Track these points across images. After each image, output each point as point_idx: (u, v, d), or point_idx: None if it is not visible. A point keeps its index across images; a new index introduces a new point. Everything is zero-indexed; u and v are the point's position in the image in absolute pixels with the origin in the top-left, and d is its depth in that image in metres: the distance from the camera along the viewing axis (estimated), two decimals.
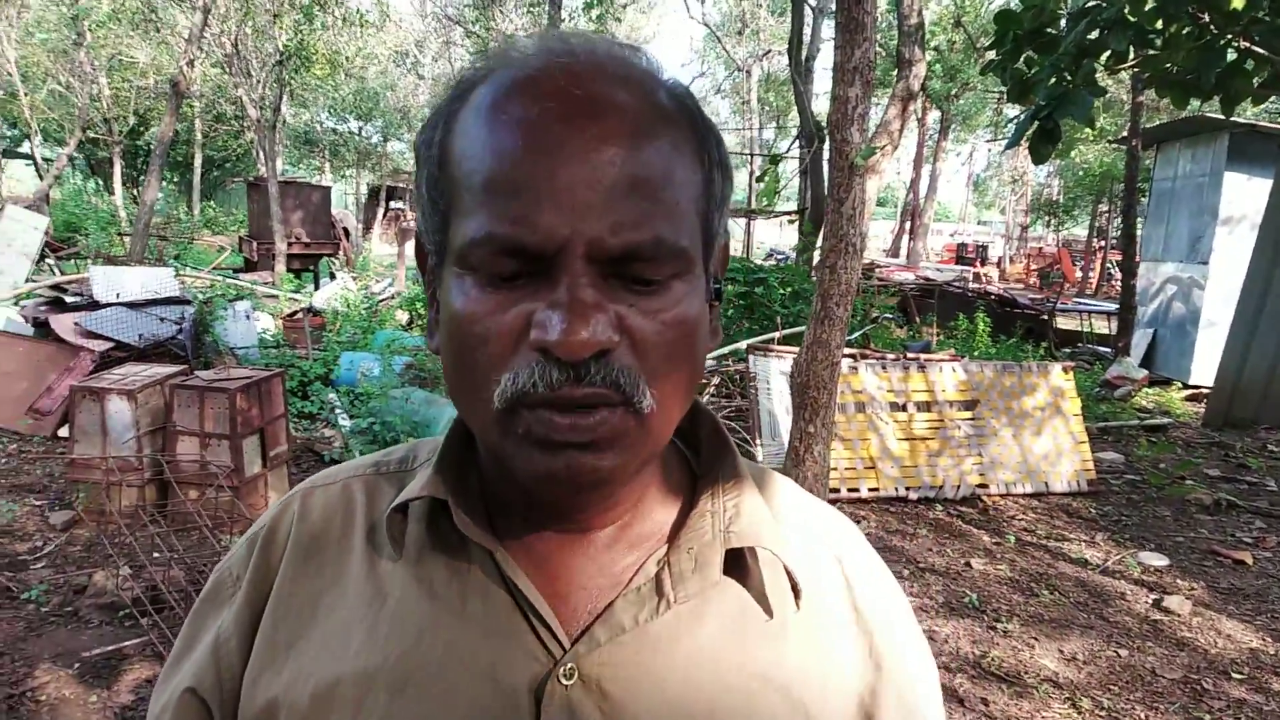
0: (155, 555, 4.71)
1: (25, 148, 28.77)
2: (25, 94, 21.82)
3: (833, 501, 5.95)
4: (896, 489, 6.36)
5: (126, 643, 3.87)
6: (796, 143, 13.12)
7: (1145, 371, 11.13)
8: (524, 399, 0.57)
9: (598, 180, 0.55)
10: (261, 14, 15.09)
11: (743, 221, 22.90)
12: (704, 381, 8.01)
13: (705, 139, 0.64)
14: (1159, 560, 5.53)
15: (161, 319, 7.98)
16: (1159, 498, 6.81)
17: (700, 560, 0.68)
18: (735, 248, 21.29)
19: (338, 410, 7.63)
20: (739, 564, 0.70)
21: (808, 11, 15.14)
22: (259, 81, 16.13)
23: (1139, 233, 12.96)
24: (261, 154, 17.25)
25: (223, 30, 15.26)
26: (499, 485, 0.70)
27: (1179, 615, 4.75)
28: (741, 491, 0.72)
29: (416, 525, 0.71)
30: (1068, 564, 5.43)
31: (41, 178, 23.47)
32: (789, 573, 0.69)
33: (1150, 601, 4.93)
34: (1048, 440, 6.81)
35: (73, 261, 14.23)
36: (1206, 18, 4.30)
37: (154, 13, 16.71)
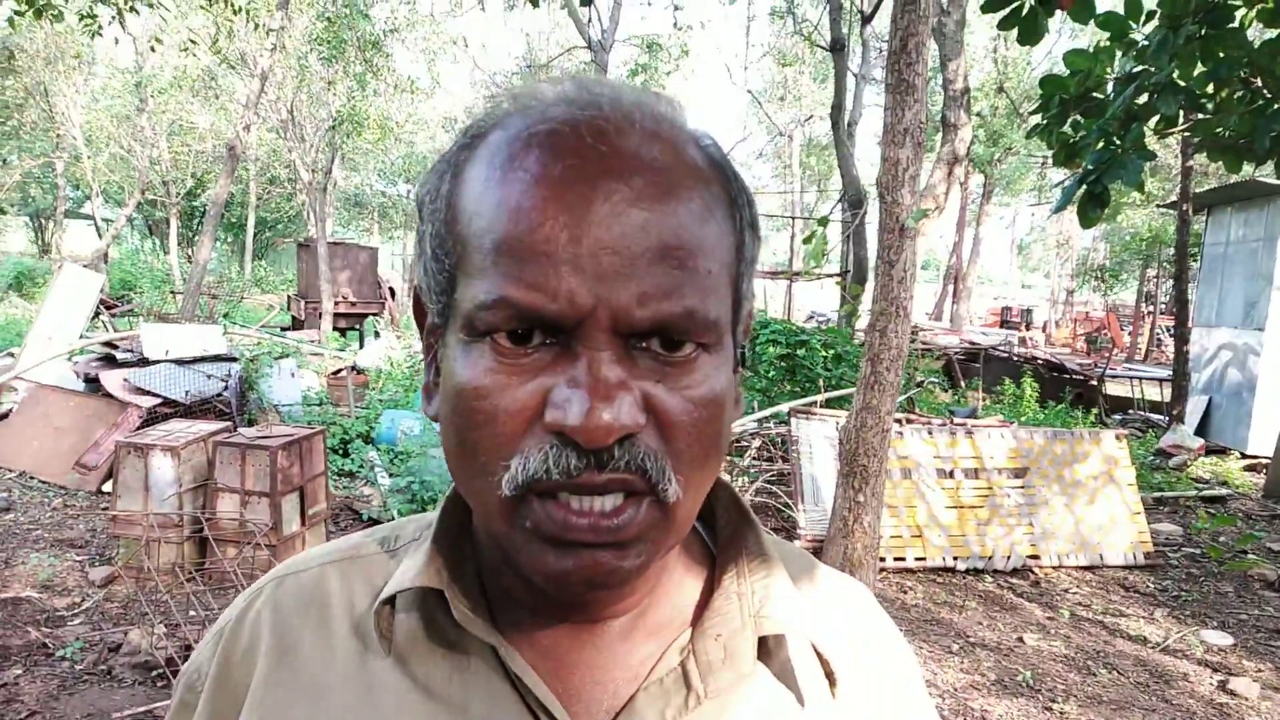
0: (191, 614, 4.69)
1: (87, 208, 29.75)
2: (88, 157, 22.64)
3: (879, 571, 5.79)
4: (944, 559, 6.17)
5: (158, 704, 3.82)
6: (839, 206, 13.12)
7: (1201, 440, 10.80)
8: (536, 486, 0.51)
9: (625, 246, 0.50)
10: (316, 81, 15.55)
11: (784, 283, 22.90)
12: (745, 445, 7.92)
13: (737, 198, 0.59)
14: (1223, 639, 5.28)
15: (208, 376, 8.08)
16: (1220, 572, 6.54)
17: (730, 649, 0.61)
18: (776, 310, 21.28)
19: (377, 468, 7.63)
20: (765, 648, 0.64)
21: (850, 78, 15.27)
22: (312, 146, 16.56)
23: (1191, 298, 12.70)
24: (312, 215, 17.65)
25: (279, 97, 15.74)
26: (497, 570, 0.64)
27: (1246, 699, 4.51)
28: (770, 571, 0.65)
29: (407, 616, 0.63)
30: (1126, 641, 5.21)
31: (100, 237, 24.21)
32: (823, 659, 0.63)
33: (1215, 683, 4.70)
34: (1102, 510, 6.59)
35: (126, 319, 14.56)
36: (1259, 82, 4.23)
37: (214, 80, 17.30)
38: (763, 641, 0.63)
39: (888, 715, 0.68)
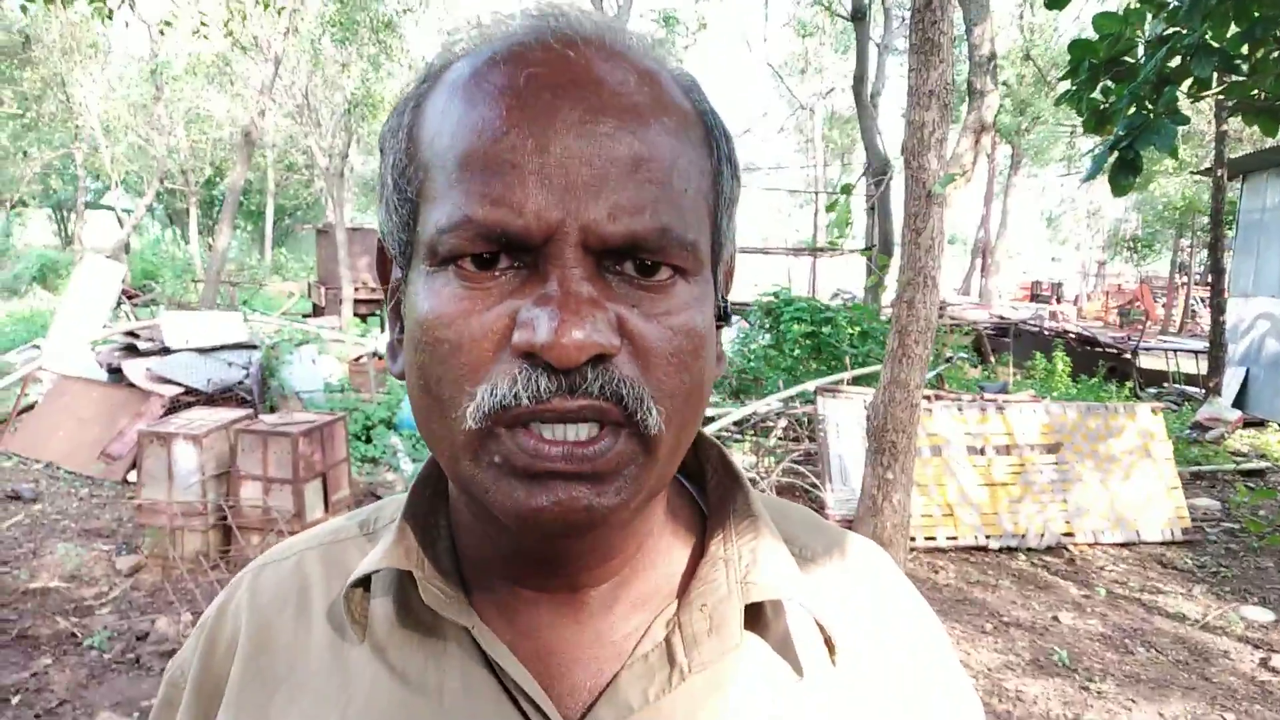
0: None
1: (107, 199, 30.03)
2: (107, 147, 22.79)
3: (909, 551, 5.70)
4: (976, 537, 6.06)
5: None
6: (863, 177, 12.95)
7: (1239, 412, 10.60)
8: (503, 415, 0.47)
9: (595, 156, 0.47)
10: (330, 65, 15.52)
11: (808, 260, 22.72)
12: (770, 425, 7.83)
13: (714, 128, 0.56)
14: (1264, 615, 5.16)
15: (229, 364, 8.09)
16: (1260, 548, 6.39)
17: (716, 619, 0.57)
18: (800, 287, 21.10)
19: (400, 454, 7.62)
20: (758, 616, 0.59)
21: (872, 47, 15.04)
22: (328, 130, 16.55)
23: (1226, 267, 12.45)
24: (330, 201, 17.66)
25: (293, 81, 15.72)
26: (472, 538, 0.59)
27: None
28: (758, 533, 0.61)
29: (383, 600, 0.60)
30: (1164, 619, 5.09)
31: (121, 227, 24.41)
32: (820, 625, 0.58)
33: (1257, 660, 4.59)
34: (1137, 486, 6.45)
35: (148, 308, 14.65)
36: None
37: (228, 65, 17.31)
38: (759, 610, 0.59)
39: (904, 684, 0.63)
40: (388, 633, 0.59)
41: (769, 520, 0.63)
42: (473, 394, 0.48)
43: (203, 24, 7.49)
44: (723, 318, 0.59)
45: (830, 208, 3.83)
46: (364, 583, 0.59)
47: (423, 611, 0.58)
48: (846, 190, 3.61)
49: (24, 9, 6.33)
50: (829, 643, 0.58)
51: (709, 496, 0.65)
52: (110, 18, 6.23)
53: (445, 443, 0.50)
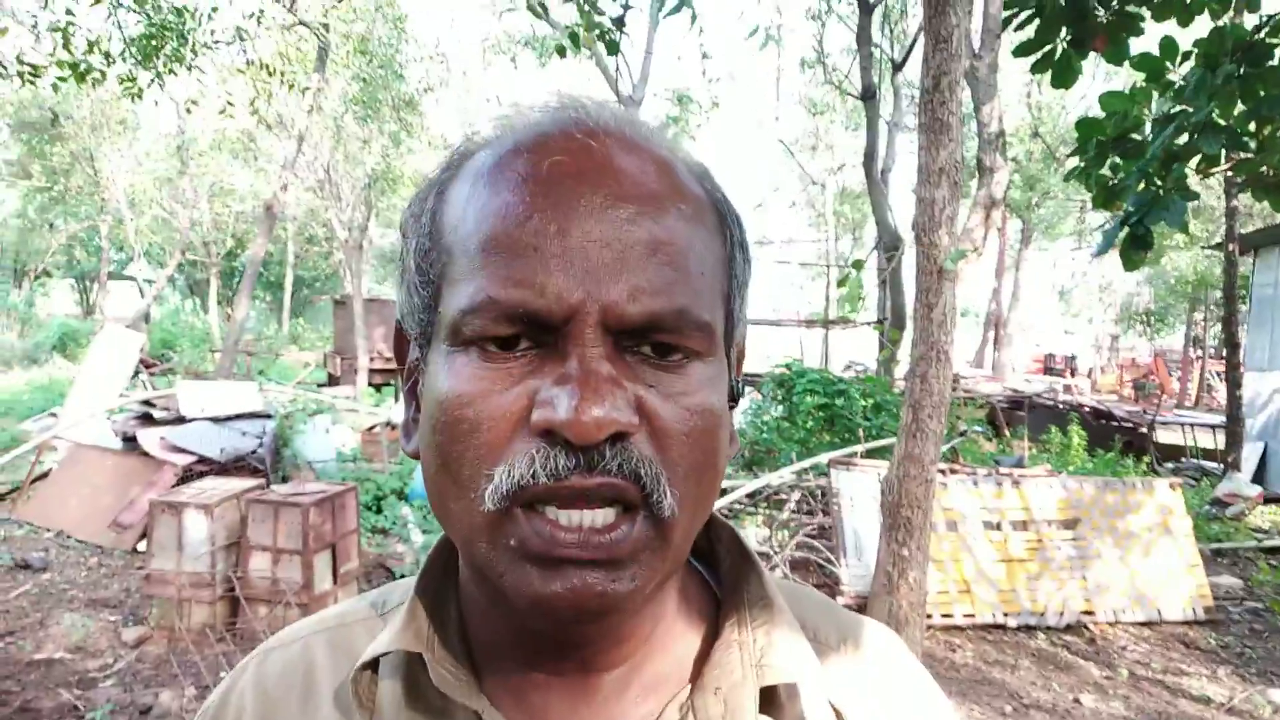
0: (221, 675, 4.62)
1: (130, 270, 30.52)
2: (132, 219, 23.26)
3: (926, 628, 5.59)
4: (994, 615, 5.94)
5: None
6: (875, 252, 13.05)
7: (1259, 488, 10.45)
8: (521, 495, 0.47)
9: (615, 239, 0.49)
10: (352, 141, 15.87)
11: (820, 332, 22.77)
12: (784, 498, 7.76)
13: (726, 215, 0.58)
14: None
15: (243, 433, 8.11)
16: None
17: (730, 703, 0.57)
18: (813, 359, 21.10)
19: (410, 525, 7.57)
20: (773, 700, 0.59)
21: (882, 125, 15.29)
22: (348, 204, 16.85)
23: (1241, 341, 12.40)
24: (349, 272, 17.88)
25: (315, 157, 16.06)
26: (483, 620, 0.59)
27: None
28: (773, 616, 0.61)
29: (392, 683, 0.59)
30: (1189, 701, 4.95)
31: (143, 297, 24.75)
32: (836, 710, 0.59)
33: None
34: (1158, 563, 6.34)
35: (166, 377, 14.76)
36: None
37: (253, 142, 17.71)
38: (773, 694, 0.58)
39: None
40: (395, 716, 0.58)
41: (783, 603, 0.62)
42: (490, 475, 0.48)
43: (229, 104, 7.72)
44: (734, 397, 0.60)
45: (842, 283, 3.86)
46: (372, 665, 0.58)
47: (432, 695, 0.57)
48: (858, 266, 3.64)
49: (55, 88, 6.55)
50: None
51: (722, 578, 0.65)
52: (140, 97, 6.44)
53: (462, 524, 0.51)
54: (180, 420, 8.09)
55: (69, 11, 6.06)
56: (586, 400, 0.46)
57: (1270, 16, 3.90)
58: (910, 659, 0.69)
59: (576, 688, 0.57)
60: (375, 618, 0.66)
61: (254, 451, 8.01)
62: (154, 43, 6.34)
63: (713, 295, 0.53)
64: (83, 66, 5.93)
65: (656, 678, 0.59)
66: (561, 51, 4.79)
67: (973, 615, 5.92)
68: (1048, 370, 29.06)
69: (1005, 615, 5.96)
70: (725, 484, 7.64)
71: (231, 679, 0.67)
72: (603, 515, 0.48)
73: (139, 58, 6.38)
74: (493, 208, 0.50)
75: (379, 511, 7.99)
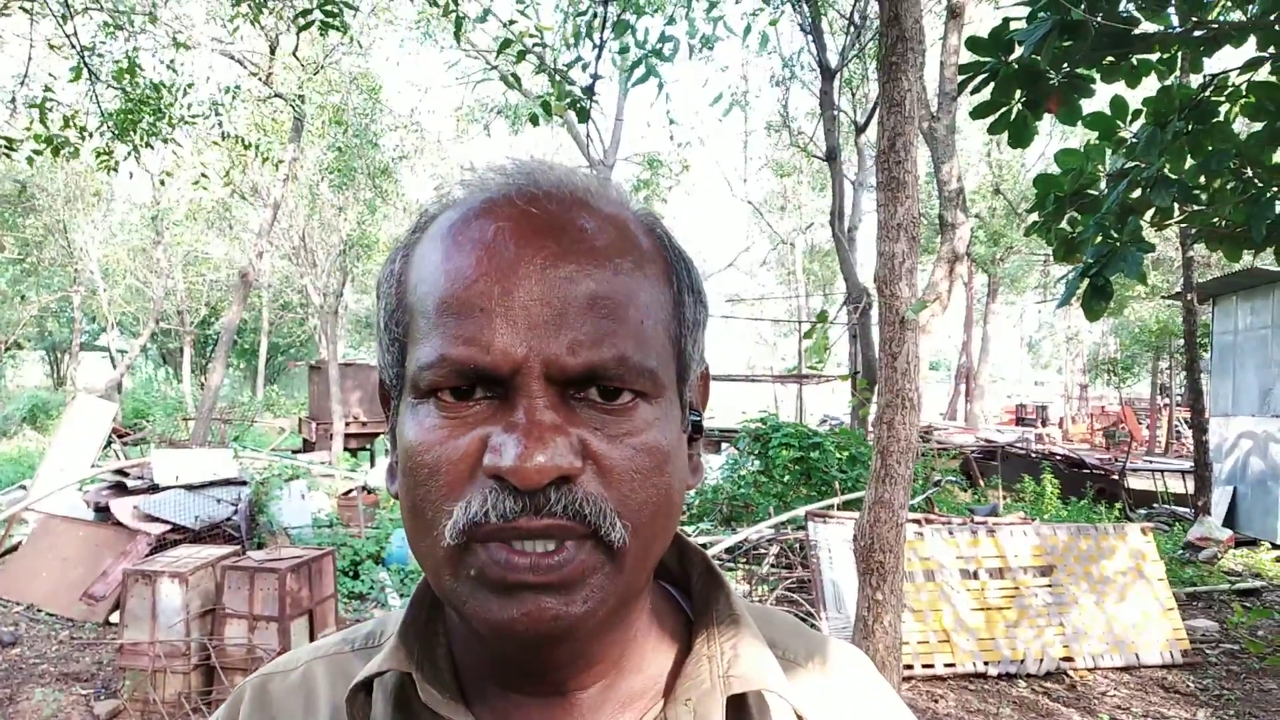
0: None
1: (102, 340, 30.25)
2: (105, 290, 23.14)
3: (907, 679, 5.59)
4: (974, 664, 5.96)
5: None
6: (843, 308, 13.24)
7: (1230, 531, 10.56)
8: (477, 531, 0.51)
9: (555, 297, 0.53)
10: (327, 208, 15.98)
11: (794, 387, 22.91)
12: (762, 552, 7.77)
13: (674, 262, 0.62)
14: None
15: (218, 500, 8.04)
16: (1262, 669, 6.29)
17: (700, 713, 0.60)
18: (787, 413, 21.20)
19: (387, 589, 7.50)
20: (744, 713, 0.62)
21: (847, 185, 15.62)
22: (324, 270, 16.91)
23: (1205, 388, 12.62)
24: (324, 338, 17.87)
25: (290, 224, 16.16)
26: (465, 646, 0.64)
27: None
28: (739, 630, 0.64)
29: (384, 706, 0.62)
30: None
31: (115, 368, 24.53)
32: (800, 717, 0.62)
33: None
34: (1134, 607, 6.39)
35: (139, 447, 14.59)
36: (1250, 172, 4.30)
37: (228, 210, 17.77)
38: (745, 708, 0.62)
39: None
40: None
41: (750, 619, 0.66)
42: (450, 512, 0.52)
43: (204, 175, 7.81)
44: (696, 430, 0.64)
45: (808, 335, 3.95)
46: (367, 687, 0.62)
47: (422, 714, 0.60)
48: (822, 318, 3.73)
49: (30, 161, 6.60)
50: None
51: (694, 600, 0.68)
52: (116, 170, 6.50)
53: (430, 559, 0.54)
54: (154, 489, 8.00)
55: (47, 88, 6.15)
56: (529, 448, 0.49)
57: (1214, 76, 4.10)
58: (876, 676, 0.73)
59: (553, 707, 0.61)
60: (370, 648, 0.70)
61: (229, 519, 7.94)
62: (131, 117, 6.43)
63: (657, 340, 0.57)
64: (59, 140, 6.01)
65: (631, 694, 0.62)
66: (534, 120, 4.93)
67: (953, 664, 5.93)
68: (1020, 420, 29.30)
69: (985, 664, 5.97)
70: (704, 540, 7.64)
71: (229, 707, 0.70)
72: (553, 544, 0.52)
73: (115, 132, 6.46)
74: (445, 272, 0.55)
75: (356, 577, 7.91)
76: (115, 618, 6.45)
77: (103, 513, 7.83)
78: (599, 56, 4.33)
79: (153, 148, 6.72)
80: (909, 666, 5.77)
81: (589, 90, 4.35)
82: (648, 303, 0.56)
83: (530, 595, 0.51)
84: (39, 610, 6.93)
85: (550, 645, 0.55)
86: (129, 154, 6.56)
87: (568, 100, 4.42)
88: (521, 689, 0.61)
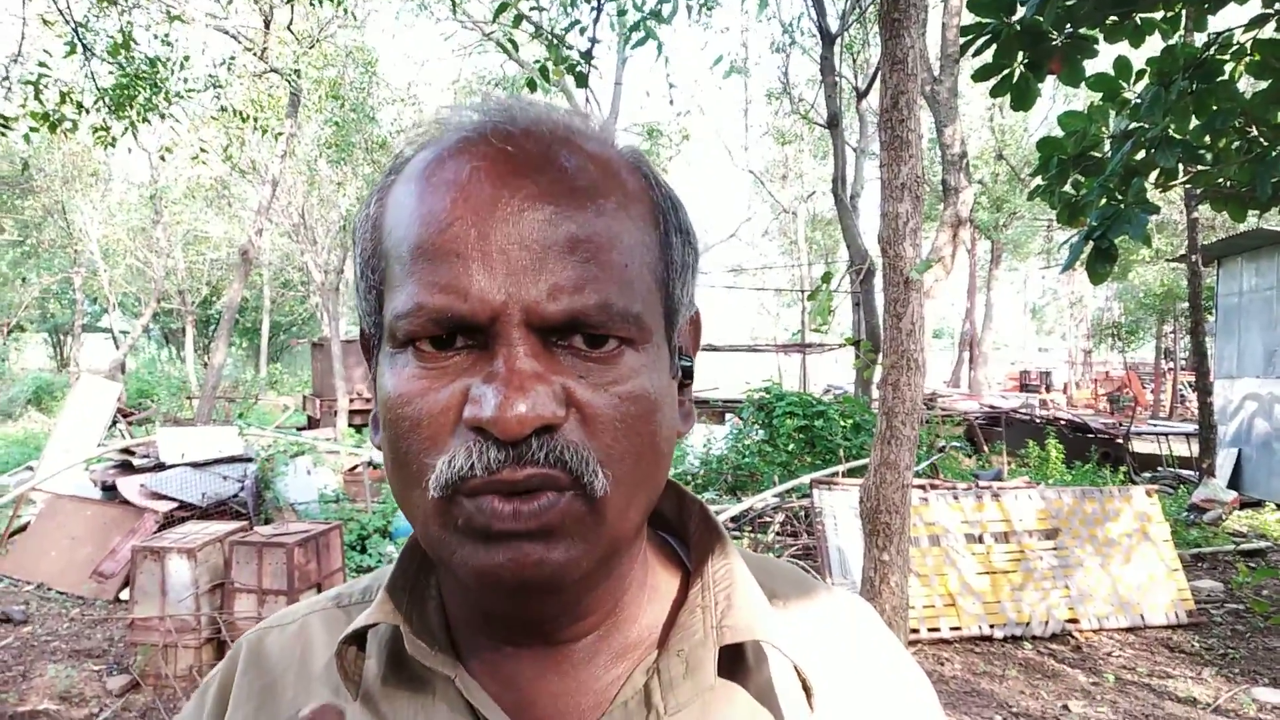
0: None
1: (104, 321, 30.29)
2: (105, 271, 23.13)
3: (913, 642, 5.62)
4: (980, 627, 5.99)
5: None
6: (847, 275, 13.21)
7: (1234, 493, 10.57)
8: (462, 485, 0.50)
9: (533, 240, 0.50)
10: (326, 184, 15.92)
11: (798, 357, 22.90)
12: (768, 520, 7.80)
13: (661, 202, 0.59)
14: (1276, 696, 5.07)
15: (224, 477, 8.07)
16: (1266, 628, 6.32)
17: (692, 663, 0.59)
18: (791, 384, 21.21)
19: None
20: (741, 665, 0.61)
21: (849, 152, 15.52)
22: (324, 247, 16.87)
23: (1210, 350, 12.60)
24: (326, 315, 17.86)
25: (290, 201, 16.10)
26: (456, 598, 0.62)
27: None
28: (734, 579, 0.63)
29: (376, 658, 0.62)
30: (1176, 704, 5.00)
31: (118, 348, 24.57)
32: (797, 669, 0.59)
33: None
34: (1138, 569, 6.41)
35: (143, 426, 14.63)
36: (1255, 131, 4.26)
37: (226, 189, 17.70)
38: (741, 658, 0.61)
39: None
40: (379, 687, 0.61)
41: (745, 569, 0.65)
42: (433, 465, 0.51)
43: (202, 149, 7.75)
44: (687, 376, 0.63)
45: (812, 296, 3.93)
46: (358, 641, 0.61)
47: (413, 666, 0.60)
48: (827, 278, 3.71)
49: (27, 138, 6.56)
50: (806, 687, 0.59)
51: (691, 550, 0.67)
52: (113, 145, 6.47)
53: (417, 510, 0.53)
54: (160, 467, 8.03)
55: (42, 64, 6.11)
56: (510, 398, 0.48)
57: (1218, 34, 4.06)
58: (880, 626, 0.71)
59: (545, 659, 0.60)
60: (366, 602, 0.69)
61: (235, 495, 7.97)
62: (127, 92, 6.39)
63: (643, 284, 0.55)
64: (55, 116, 5.97)
65: (625, 645, 0.61)
66: (532, 86, 4.88)
67: (959, 628, 5.96)
68: (1024, 387, 29.29)
69: (991, 627, 6.00)
70: (710, 508, 7.67)
71: (227, 660, 0.70)
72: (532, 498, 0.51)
73: (112, 107, 6.42)
74: (419, 215, 0.53)
75: (364, 551, 7.95)
76: (125, 595, 6.49)
77: (110, 491, 7.86)
78: (597, 19, 4.29)
79: (149, 123, 6.68)
80: (915, 630, 5.80)
81: (587, 54, 4.31)
82: (632, 245, 0.55)
83: (513, 542, 0.50)
84: (49, 589, 6.97)
85: (538, 596, 0.54)
86: (126, 129, 6.52)
87: (565, 65, 4.38)
88: (513, 641, 0.60)
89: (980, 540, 6.34)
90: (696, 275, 0.63)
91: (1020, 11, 3.73)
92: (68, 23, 6.39)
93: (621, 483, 0.52)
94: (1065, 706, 4.93)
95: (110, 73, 6.62)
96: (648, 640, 0.62)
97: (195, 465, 8.07)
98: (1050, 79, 4.23)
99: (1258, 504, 10.94)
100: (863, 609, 0.72)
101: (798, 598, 0.69)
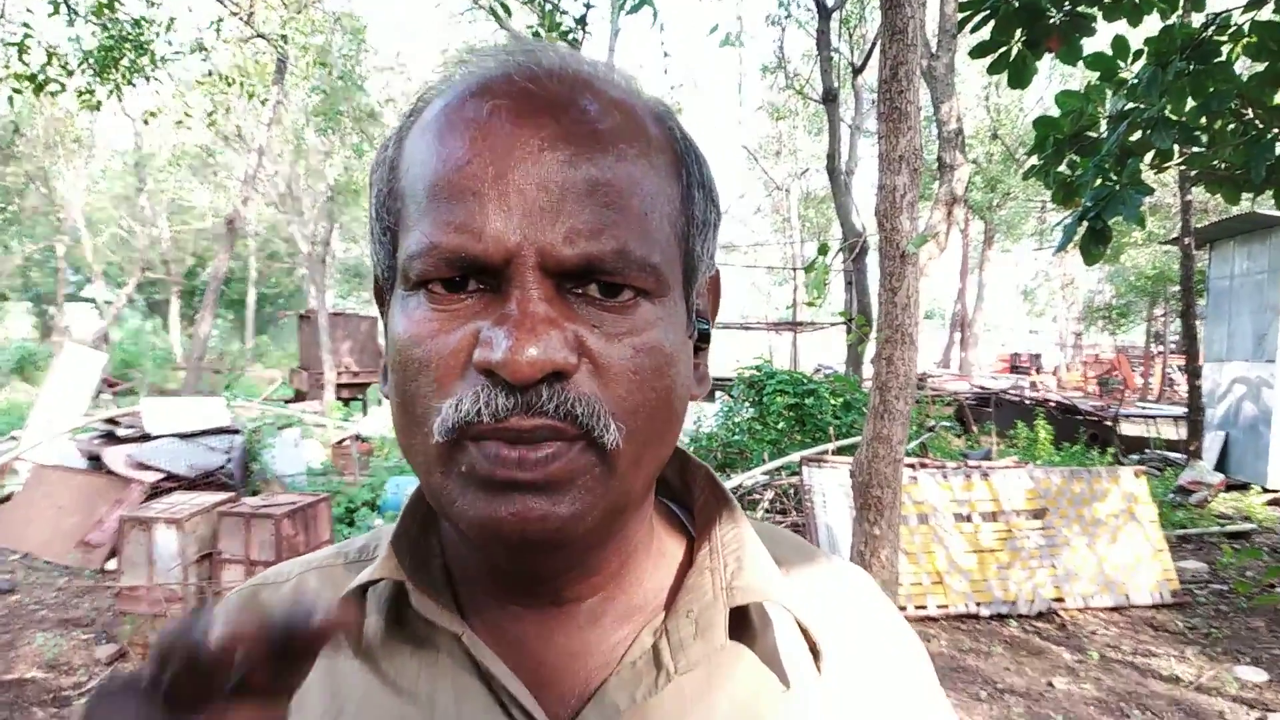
0: None
1: (88, 291, 30.10)
2: (89, 239, 22.94)
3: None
4: (967, 605, 6.01)
5: None
6: (840, 253, 13.20)
7: (1221, 476, 10.64)
8: (468, 430, 0.49)
9: (552, 182, 0.49)
10: (313, 154, 15.78)
11: (789, 336, 22.91)
12: (757, 498, 7.81)
13: (684, 154, 0.58)
14: (1257, 675, 5.12)
15: (211, 449, 8.03)
16: (1250, 608, 6.37)
17: (702, 624, 0.59)
18: (782, 362, 21.24)
19: None
20: (747, 626, 0.61)
21: (844, 129, 15.45)
22: (310, 218, 16.75)
23: (1199, 334, 12.64)
24: (313, 287, 17.76)
25: (276, 171, 15.95)
26: (460, 555, 0.61)
27: None
28: (743, 543, 0.62)
29: (377, 615, 0.61)
30: (1159, 681, 5.04)
31: (102, 318, 24.42)
32: (805, 632, 0.60)
33: None
34: (1125, 549, 6.45)
35: (128, 397, 14.56)
36: (1251, 113, 4.25)
37: (211, 157, 17.52)
38: (747, 621, 0.61)
39: (885, 698, 0.64)
40: (380, 644, 0.60)
41: (754, 535, 0.64)
42: (439, 409, 0.49)
43: (187, 114, 7.65)
44: (703, 339, 0.61)
45: (809, 269, 3.91)
46: (359, 598, 0.60)
47: (416, 623, 0.59)
48: (823, 250, 3.69)
49: (10, 101, 6.47)
50: (814, 649, 0.59)
51: (696, 515, 0.66)
52: (98, 108, 6.38)
53: (420, 456, 0.52)
54: (146, 438, 7.99)
55: (25, 25, 6.00)
56: (522, 341, 0.47)
57: (1216, 15, 4.03)
58: (879, 592, 0.71)
59: (550, 618, 0.59)
60: (364, 560, 0.67)
61: (222, 467, 7.94)
62: (112, 54, 6.28)
63: (662, 235, 0.53)
64: (41, 78, 5.88)
65: (631, 607, 0.61)
66: None
67: (946, 606, 5.99)
68: (1014, 368, 29.42)
69: (978, 605, 6.03)
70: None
71: (224, 603, 0.68)
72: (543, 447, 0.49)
73: (97, 69, 6.32)
74: (437, 154, 0.51)
75: (352, 524, 7.93)
76: (112, 564, 6.47)
77: (95, 462, 7.82)
78: None
79: (134, 86, 6.58)
80: (902, 608, 5.82)
81: (581, 20, 4.25)
82: (653, 193, 0.53)
83: (518, 495, 0.49)
84: (35, 558, 6.94)
85: (542, 552, 0.52)
86: (111, 93, 6.42)
87: (558, 32, 4.32)
88: (517, 600, 0.59)
89: (968, 519, 6.36)
90: (718, 235, 0.61)
91: None
92: None
93: (633, 437, 0.51)
94: (1050, 683, 4.97)
95: (94, 34, 6.51)
96: (653, 602, 0.61)
97: (182, 436, 8.03)
98: (1047, 57, 4.21)
99: (1244, 487, 11.01)
100: (862, 577, 0.72)
101: (801, 564, 0.68)
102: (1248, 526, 8.92)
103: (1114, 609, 6.24)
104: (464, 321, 0.50)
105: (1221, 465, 11.71)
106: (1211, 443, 12.05)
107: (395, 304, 0.54)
